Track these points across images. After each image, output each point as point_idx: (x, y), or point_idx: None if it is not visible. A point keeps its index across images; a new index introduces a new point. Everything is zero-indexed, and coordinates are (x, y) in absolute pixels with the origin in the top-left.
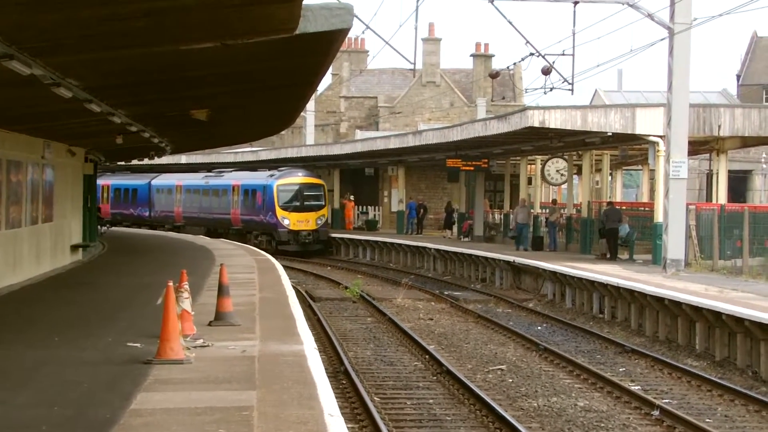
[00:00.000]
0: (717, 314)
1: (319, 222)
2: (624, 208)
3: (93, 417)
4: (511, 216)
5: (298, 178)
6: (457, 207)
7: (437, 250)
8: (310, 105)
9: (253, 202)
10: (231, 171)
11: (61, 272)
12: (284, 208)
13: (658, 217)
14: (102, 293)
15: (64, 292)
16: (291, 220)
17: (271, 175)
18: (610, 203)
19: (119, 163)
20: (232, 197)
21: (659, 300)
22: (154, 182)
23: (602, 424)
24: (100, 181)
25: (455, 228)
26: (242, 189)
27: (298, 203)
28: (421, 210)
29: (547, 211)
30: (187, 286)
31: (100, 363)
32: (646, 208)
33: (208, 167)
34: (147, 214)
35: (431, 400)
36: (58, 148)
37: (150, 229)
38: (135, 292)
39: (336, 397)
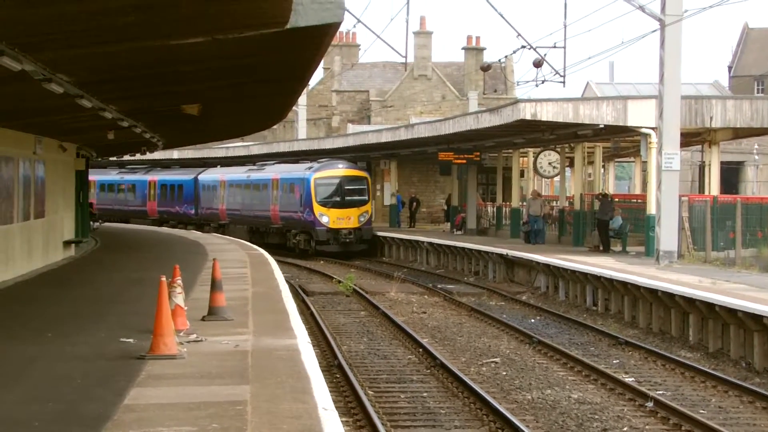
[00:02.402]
0: (710, 306)
1: (361, 219)
2: (616, 200)
3: (86, 412)
4: (522, 209)
5: (338, 170)
6: (445, 197)
7: (430, 244)
8: (302, 99)
9: (290, 197)
10: (273, 163)
11: (54, 268)
12: (322, 203)
13: (651, 209)
14: (95, 289)
15: (57, 288)
16: (330, 218)
17: (309, 168)
18: (604, 194)
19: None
20: (272, 192)
21: (652, 292)
22: (200, 177)
23: (596, 416)
24: (148, 177)
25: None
26: (281, 183)
27: (338, 198)
28: (414, 203)
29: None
30: (180, 281)
31: (93, 358)
32: (639, 200)
33: (254, 159)
34: (193, 212)
35: (425, 394)
36: (49, 144)
37: (197, 229)
38: (128, 288)
39: (330, 391)
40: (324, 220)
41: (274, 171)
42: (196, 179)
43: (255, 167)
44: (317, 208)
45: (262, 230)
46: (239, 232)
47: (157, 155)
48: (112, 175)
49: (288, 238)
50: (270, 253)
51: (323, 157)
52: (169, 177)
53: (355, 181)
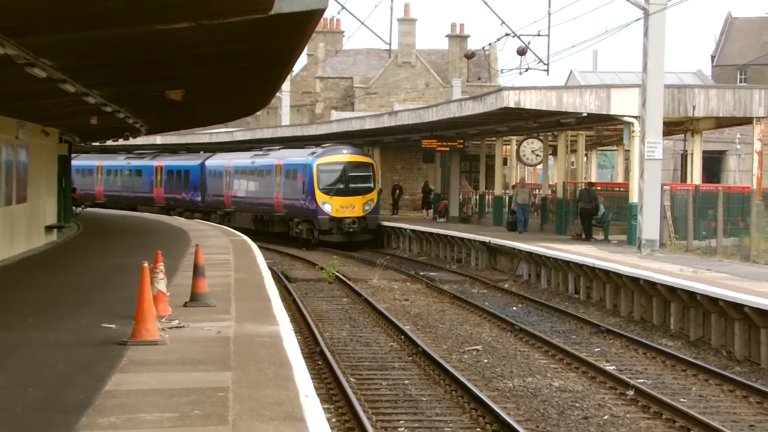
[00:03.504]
0: (692, 294)
1: (366, 208)
2: (599, 188)
3: (68, 399)
4: (505, 197)
5: (342, 155)
6: (432, 188)
7: (413, 231)
8: (286, 85)
9: (293, 184)
10: (279, 148)
11: (36, 253)
12: (325, 191)
13: (633, 198)
14: (77, 274)
15: (39, 274)
16: (333, 206)
17: (312, 153)
18: (590, 183)
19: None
20: (275, 179)
21: (634, 280)
22: (207, 163)
23: (577, 404)
24: (154, 162)
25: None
26: (284, 169)
27: (341, 186)
28: (397, 191)
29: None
30: (162, 267)
31: (75, 344)
32: (621, 189)
33: (260, 143)
34: (199, 199)
35: (407, 381)
36: (32, 129)
37: (203, 218)
38: (110, 274)
39: (312, 378)
40: (327, 208)
41: (278, 156)
42: (202, 165)
43: (261, 152)
44: (320, 196)
45: (266, 219)
46: (244, 220)
47: (141, 140)
48: (119, 161)
49: (291, 227)
50: (265, 242)
51: (312, 143)
52: (176, 162)
53: (360, 168)
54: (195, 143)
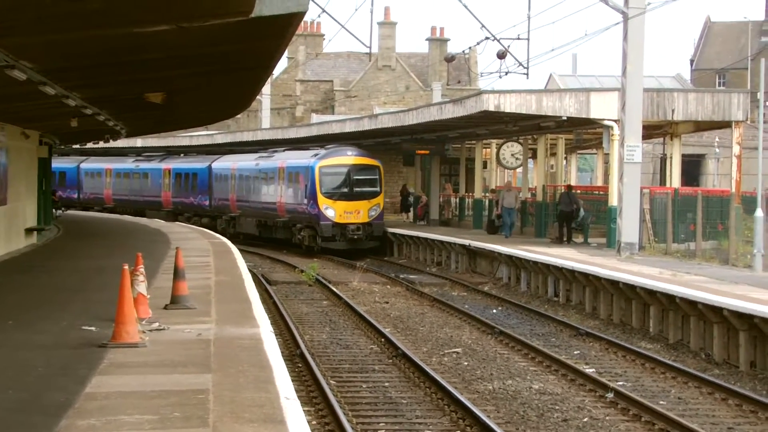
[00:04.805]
0: (671, 297)
1: (372, 213)
2: (578, 191)
3: (48, 401)
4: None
5: (347, 157)
6: (412, 191)
7: (393, 234)
8: (266, 89)
9: (295, 188)
10: (283, 150)
11: (16, 256)
12: (328, 195)
13: (613, 201)
14: (57, 277)
15: (19, 276)
16: (336, 211)
17: (315, 155)
18: (570, 186)
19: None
20: (278, 182)
21: (614, 283)
22: (214, 165)
23: (557, 407)
24: (162, 165)
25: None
26: (286, 172)
27: (345, 189)
28: None
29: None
30: (142, 270)
31: (55, 347)
32: (601, 192)
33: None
34: (207, 203)
35: (387, 384)
36: (11, 131)
37: (210, 221)
38: (90, 276)
39: (292, 381)
40: (329, 213)
41: (282, 158)
42: (209, 168)
43: (266, 154)
44: (322, 201)
45: (269, 224)
46: (248, 225)
47: (121, 143)
48: (127, 163)
49: (294, 233)
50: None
51: (292, 146)
52: (184, 165)
53: (366, 171)
54: (175, 146)
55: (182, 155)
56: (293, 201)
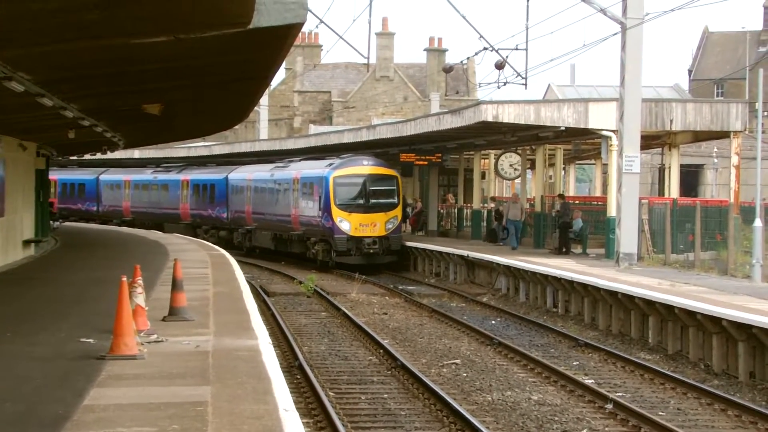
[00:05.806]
0: (669, 308)
1: (389, 226)
2: (577, 202)
3: (45, 413)
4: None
5: (363, 167)
6: (411, 202)
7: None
8: (264, 99)
9: (309, 199)
10: (299, 160)
11: (13, 267)
12: (342, 207)
13: (611, 212)
14: (55, 288)
15: (16, 288)
16: (351, 224)
17: (330, 164)
18: (561, 195)
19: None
20: (293, 194)
21: (612, 294)
22: (231, 176)
23: (556, 418)
24: (180, 176)
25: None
26: (301, 183)
27: (361, 201)
28: None
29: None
30: (140, 281)
31: (53, 358)
32: (599, 203)
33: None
34: (225, 215)
35: (386, 395)
36: (9, 143)
37: (228, 234)
38: (88, 288)
39: (291, 392)
40: (344, 226)
41: (297, 169)
42: (227, 179)
43: (281, 164)
44: (336, 213)
45: (284, 237)
46: (264, 239)
47: (118, 155)
48: (146, 174)
49: (308, 247)
50: (243, 255)
51: (289, 158)
52: (202, 176)
53: (383, 181)
54: (172, 157)
55: (202, 166)
56: (307, 213)
